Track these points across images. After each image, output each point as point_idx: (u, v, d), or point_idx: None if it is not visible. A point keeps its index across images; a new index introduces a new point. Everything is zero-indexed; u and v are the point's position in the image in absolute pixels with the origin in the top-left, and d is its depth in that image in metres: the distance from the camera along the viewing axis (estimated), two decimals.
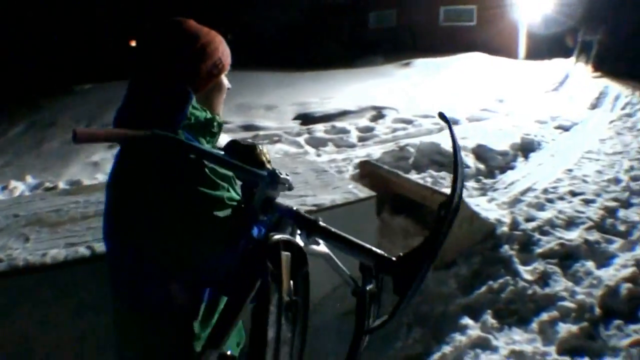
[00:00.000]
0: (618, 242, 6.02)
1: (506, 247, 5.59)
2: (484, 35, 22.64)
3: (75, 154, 9.83)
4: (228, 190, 1.58)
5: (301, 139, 9.06)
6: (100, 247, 2.95)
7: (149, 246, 1.52)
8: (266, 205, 1.56)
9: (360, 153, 8.69)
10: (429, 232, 1.51)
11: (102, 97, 14.43)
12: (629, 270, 5.28)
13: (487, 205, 6.84)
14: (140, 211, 1.52)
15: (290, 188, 1.64)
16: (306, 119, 10.50)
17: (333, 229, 1.61)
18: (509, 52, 21.82)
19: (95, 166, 9.39)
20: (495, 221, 5.96)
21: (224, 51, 1.76)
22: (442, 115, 1.86)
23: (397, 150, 8.27)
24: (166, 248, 1.51)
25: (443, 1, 24.95)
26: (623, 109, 15.40)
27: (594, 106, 15.73)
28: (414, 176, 7.38)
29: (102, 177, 8.33)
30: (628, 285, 5.00)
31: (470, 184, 7.79)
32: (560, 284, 5.03)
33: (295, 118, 10.69)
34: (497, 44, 21.95)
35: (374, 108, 11.22)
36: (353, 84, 14.78)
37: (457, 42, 21.98)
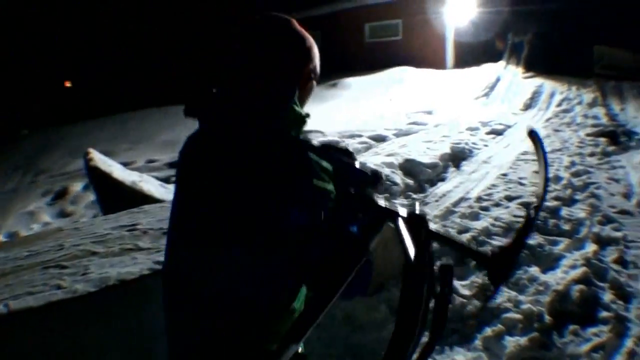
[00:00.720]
0: (563, 243, 5.95)
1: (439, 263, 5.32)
2: (411, 48, 23.04)
3: (10, 203, 9.39)
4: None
5: None
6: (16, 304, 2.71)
7: (271, 242, 1.50)
8: (368, 203, 1.67)
9: None
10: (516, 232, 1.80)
11: (38, 142, 14.02)
12: (579, 271, 5.18)
13: None
14: (263, 207, 1.51)
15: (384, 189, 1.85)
16: None
17: (438, 231, 1.98)
18: (437, 63, 22.22)
19: (31, 216, 8.95)
20: None
21: (319, 56, 1.87)
22: (532, 134, 2.28)
23: None
24: (288, 244, 1.50)
25: (368, 18, 25.10)
26: (559, 105, 15.84)
27: (527, 106, 16.15)
28: None
29: (37, 227, 8.12)
30: (580, 287, 4.88)
31: (399, 201, 7.50)
32: (503, 295, 4.79)
33: None
34: (425, 56, 22.37)
35: None
36: None
37: (384, 58, 22.28)
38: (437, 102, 15.68)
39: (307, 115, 1.77)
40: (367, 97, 15.75)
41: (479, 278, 5.05)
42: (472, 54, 22.40)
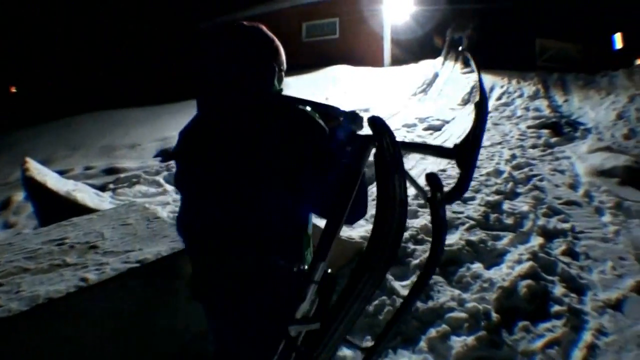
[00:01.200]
0: (507, 237, 5.82)
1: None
2: (348, 46, 23.01)
3: None
4: None
5: (160, 178, 8.39)
6: None
7: (288, 180, 1.97)
8: (351, 137, 2.15)
9: None
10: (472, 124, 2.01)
11: None
12: (526, 266, 5.04)
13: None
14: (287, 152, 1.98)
15: (361, 127, 2.22)
16: (167, 155, 9.88)
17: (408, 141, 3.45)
18: (374, 60, 22.25)
19: None
20: (362, 239, 5.52)
21: (283, 53, 2.51)
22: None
23: None
24: (300, 180, 1.96)
25: (305, 17, 24.93)
26: (499, 99, 15.96)
27: (466, 101, 16.20)
28: None
29: None
30: (527, 282, 4.74)
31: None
32: (446, 294, 4.60)
33: (156, 155, 10.06)
34: (362, 54, 22.37)
35: None
36: None
37: (321, 57, 22.09)
38: (374, 99, 15.57)
39: (281, 90, 2.42)
40: (305, 97, 15.45)
41: None
42: (410, 51, 22.54)
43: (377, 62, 22.00)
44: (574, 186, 7.85)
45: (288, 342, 1.76)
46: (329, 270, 1.86)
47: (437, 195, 2.04)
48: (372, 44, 22.57)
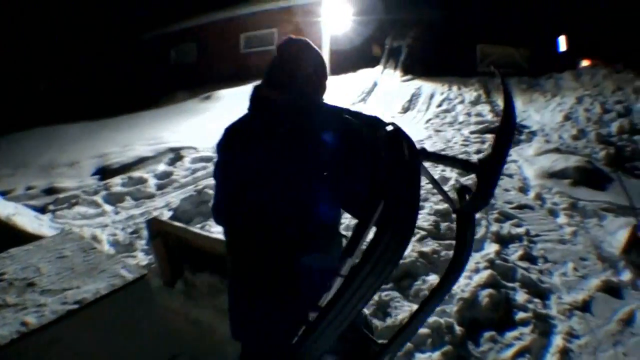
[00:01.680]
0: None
1: None
2: None
3: None
4: None
5: (99, 198, 8.08)
6: None
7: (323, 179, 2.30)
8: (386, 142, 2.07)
9: (159, 203, 7.98)
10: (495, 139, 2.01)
11: None
12: (484, 274, 4.90)
13: None
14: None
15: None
16: (105, 172, 9.56)
17: (435, 152, 3.06)
18: None
19: None
20: None
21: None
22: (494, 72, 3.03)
23: (196, 195, 7.50)
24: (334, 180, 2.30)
25: (243, 28, 24.76)
26: (439, 106, 16.00)
27: (406, 109, 16.22)
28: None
29: None
30: (488, 291, 4.61)
31: None
32: (404, 310, 4.43)
33: (95, 173, 9.70)
34: None
35: (172, 150, 10.39)
36: (153, 126, 13.89)
37: (260, 68, 21.39)
38: None
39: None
40: (241, 109, 15.17)
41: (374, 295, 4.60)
42: (349, 60, 22.58)
43: None
44: (524, 190, 7.84)
45: (307, 328, 1.88)
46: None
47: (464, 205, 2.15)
48: None
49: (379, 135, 2.04)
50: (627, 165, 9.14)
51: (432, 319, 4.15)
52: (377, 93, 18.40)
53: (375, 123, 2.15)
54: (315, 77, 2.59)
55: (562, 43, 23.73)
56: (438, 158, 2.47)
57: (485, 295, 4.51)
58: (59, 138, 12.74)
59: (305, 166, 2.27)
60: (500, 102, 15.50)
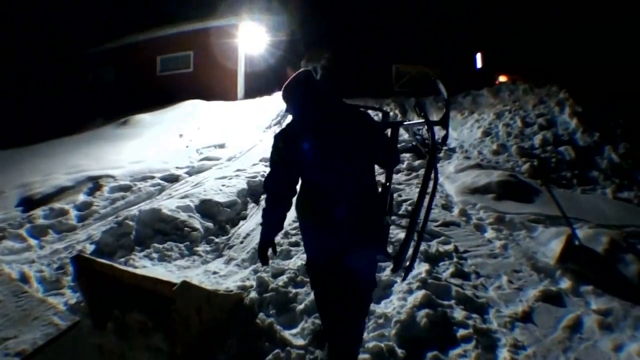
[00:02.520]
0: (389, 267, 5.34)
1: (262, 315, 4.72)
2: (202, 80, 22.57)
3: None
4: None
5: (23, 231, 7.71)
6: None
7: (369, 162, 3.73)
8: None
9: (81, 236, 7.59)
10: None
11: None
12: (419, 295, 4.84)
13: (225, 269, 6.19)
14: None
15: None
16: (28, 203, 9.12)
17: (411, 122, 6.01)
18: (228, 94, 22.06)
19: None
20: (239, 289, 5.24)
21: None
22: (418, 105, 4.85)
23: (117, 227, 7.29)
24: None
25: (159, 50, 24.35)
26: None
27: None
28: (139, 255, 6.56)
29: None
30: (424, 311, 4.55)
31: (202, 247, 7.01)
32: None
33: (19, 204, 9.27)
34: (216, 88, 22.07)
35: (90, 179, 10.01)
36: (72, 153, 13.42)
37: (176, 91, 21.44)
38: (229, 134, 15.18)
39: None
40: (157, 135, 14.92)
41: (308, 323, 4.56)
42: (265, 83, 22.60)
43: (231, 95, 21.85)
44: (448, 207, 7.87)
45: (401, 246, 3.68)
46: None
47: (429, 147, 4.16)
48: (226, 77, 22.38)
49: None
50: (554, 176, 9.38)
51: (371, 344, 4.11)
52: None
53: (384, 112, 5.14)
54: (337, 92, 3.89)
55: (479, 60, 24.41)
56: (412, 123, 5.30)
57: (422, 315, 4.45)
58: None
59: (359, 145, 3.51)
60: (415, 120, 15.76)
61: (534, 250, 6.07)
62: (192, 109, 18.44)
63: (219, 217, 8.03)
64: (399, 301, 4.79)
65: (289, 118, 16.14)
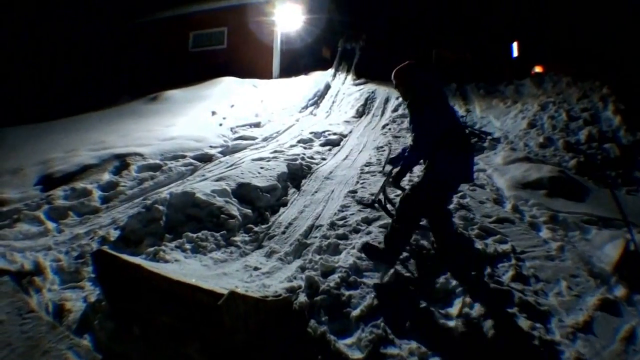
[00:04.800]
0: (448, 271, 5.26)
1: (313, 322, 4.34)
2: (236, 57, 22.48)
3: None
4: None
5: (41, 213, 7.24)
6: None
7: None
8: None
9: (105, 220, 7.14)
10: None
11: None
12: (483, 303, 4.60)
13: (267, 263, 5.78)
14: None
15: None
16: (48, 182, 8.71)
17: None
18: (263, 72, 21.88)
19: None
20: (287, 291, 4.80)
21: None
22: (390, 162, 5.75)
23: (145, 212, 6.82)
24: None
25: (192, 26, 24.15)
26: (395, 110, 15.85)
27: (361, 113, 16.09)
28: (170, 245, 6.08)
29: None
30: (490, 321, 4.32)
31: (239, 237, 6.59)
32: (404, 348, 4.03)
33: (38, 182, 8.91)
34: (251, 65, 21.98)
35: (116, 157, 9.60)
36: (98, 129, 13.14)
37: (209, 68, 21.48)
38: (265, 114, 15.04)
39: None
40: (189, 111, 14.68)
41: (365, 332, 4.20)
42: (301, 62, 22.34)
43: (266, 73, 21.60)
44: (499, 202, 7.61)
45: None
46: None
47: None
48: (261, 55, 22.15)
49: None
50: (598, 175, 9.07)
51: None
52: (329, 97, 18.20)
53: None
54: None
55: (515, 49, 23.99)
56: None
57: (488, 326, 4.20)
58: (5, 143, 12.01)
59: None
60: (458, 108, 15.48)
61: (590, 254, 5.78)
62: (225, 86, 18.18)
63: (258, 203, 7.67)
64: (462, 309, 4.49)
65: (327, 98, 15.65)
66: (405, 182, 7.24)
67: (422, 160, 5.37)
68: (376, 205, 6.42)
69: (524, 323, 4.30)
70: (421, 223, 5.71)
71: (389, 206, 6.28)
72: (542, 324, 4.35)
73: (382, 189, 6.23)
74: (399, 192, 5.78)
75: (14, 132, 13.04)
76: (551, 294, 4.91)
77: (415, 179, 5.34)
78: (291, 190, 8.58)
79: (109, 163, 9.24)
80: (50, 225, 6.91)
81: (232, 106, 15.45)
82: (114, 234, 6.47)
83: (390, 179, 5.58)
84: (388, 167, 6.07)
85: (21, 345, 3.31)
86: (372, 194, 7.26)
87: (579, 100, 13.88)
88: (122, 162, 9.22)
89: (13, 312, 3.71)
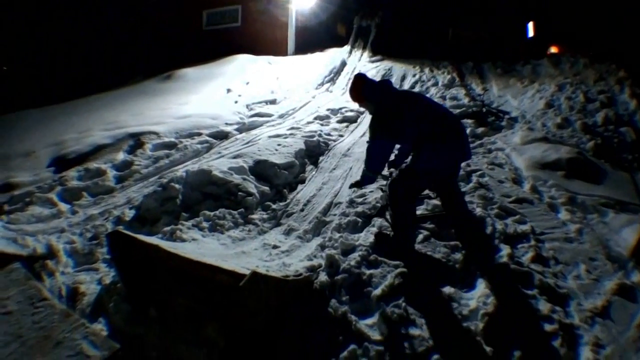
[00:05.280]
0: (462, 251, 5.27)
1: (334, 302, 4.35)
2: (250, 35, 22.31)
3: None
4: None
5: (54, 195, 7.20)
6: None
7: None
8: None
9: (120, 200, 7.19)
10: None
11: None
12: (504, 285, 4.63)
13: (285, 241, 5.82)
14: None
15: None
16: (61, 163, 8.66)
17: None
18: (278, 49, 21.73)
19: None
20: (307, 270, 4.79)
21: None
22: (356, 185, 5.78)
23: (161, 191, 6.84)
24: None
25: (205, 4, 23.96)
26: (412, 87, 15.68)
27: None
28: (187, 224, 6.08)
29: None
30: (510, 302, 4.36)
31: (257, 215, 6.62)
32: (425, 329, 4.03)
33: (51, 164, 8.87)
34: (266, 42, 21.82)
35: (131, 136, 9.57)
36: (112, 109, 13.10)
37: (223, 46, 21.29)
38: (281, 90, 15.01)
39: None
40: (204, 89, 14.63)
41: (386, 312, 4.17)
42: (316, 38, 22.19)
43: (281, 50, 21.46)
44: (518, 181, 7.57)
45: None
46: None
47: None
48: (275, 32, 21.97)
49: None
50: (615, 158, 9.01)
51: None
52: (346, 73, 18.04)
53: None
54: None
55: (531, 29, 23.79)
56: None
57: (508, 307, 4.22)
58: (17, 126, 11.99)
59: None
60: (475, 86, 15.39)
61: (607, 238, 5.74)
62: (239, 63, 18.09)
63: (276, 180, 7.69)
64: (484, 290, 4.47)
65: (343, 75, 15.50)
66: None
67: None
68: (376, 217, 6.08)
69: (544, 306, 4.29)
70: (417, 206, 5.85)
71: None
72: (562, 307, 4.35)
73: (385, 200, 6.10)
74: None
75: (26, 115, 13.04)
76: (570, 276, 4.91)
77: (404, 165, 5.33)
78: (309, 167, 8.61)
79: (123, 142, 9.22)
80: (64, 207, 6.94)
81: (247, 83, 15.41)
82: (129, 214, 6.52)
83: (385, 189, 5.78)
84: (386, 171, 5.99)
85: (33, 337, 3.26)
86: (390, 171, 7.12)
87: (596, 82, 13.71)
88: (136, 141, 9.22)
89: (25, 301, 3.65)
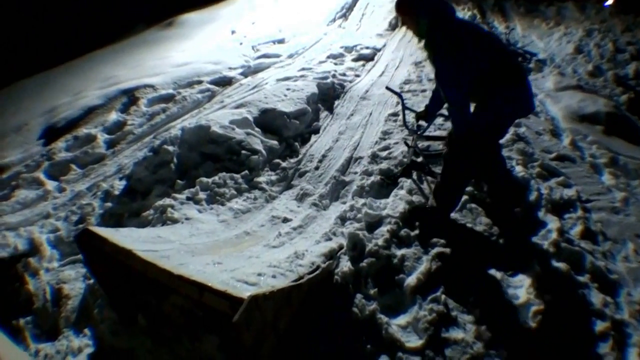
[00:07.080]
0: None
1: (360, 298, 3.83)
2: None
3: None
4: None
5: (40, 173, 6.87)
6: None
7: None
8: None
9: (110, 169, 6.94)
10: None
11: None
12: (559, 268, 4.18)
13: (299, 211, 5.35)
14: None
15: None
16: (51, 134, 8.35)
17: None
18: None
19: None
20: (325, 258, 4.08)
21: None
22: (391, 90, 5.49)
23: (153, 156, 6.42)
24: None
25: None
26: None
27: (394, 26, 15.30)
28: (181, 197, 5.58)
29: None
30: (563, 294, 3.90)
31: (264, 177, 6.14)
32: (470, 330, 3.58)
33: (41, 136, 8.55)
34: None
35: (125, 92, 9.21)
36: (108, 64, 12.80)
37: None
38: (289, 28, 14.56)
39: None
40: (207, 34, 14.36)
41: (423, 310, 3.73)
42: None
43: None
44: (556, 134, 7.06)
45: None
46: None
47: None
48: None
49: None
50: None
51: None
52: (359, 7, 17.66)
53: None
54: None
55: None
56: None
57: (561, 300, 3.76)
58: (12, 98, 11.64)
59: None
60: (498, 24, 14.88)
61: None
62: (246, 3, 17.75)
63: (285, 132, 7.20)
64: (533, 279, 3.99)
65: (356, 10, 15.08)
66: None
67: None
68: (402, 179, 5.50)
69: (596, 298, 3.81)
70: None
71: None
72: (612, 297, 3.86)
73: (411, 157, 5.57)
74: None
75: (20, 86, 12.71)
76: (619, 257, 4.43)
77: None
78: (323, 114, 8.18)
79: (116, 101, 8.91)
80: (50, 185, 6.70)
81: (253, 23, 15.07)
82: (118, 186, 6.20)
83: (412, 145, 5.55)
84: (410, 122, 5.59)
85: None
86: (396, 166, 6.27)
87: (624, 33, 13.27)
88: (130, 97, 8.89)
89: None
